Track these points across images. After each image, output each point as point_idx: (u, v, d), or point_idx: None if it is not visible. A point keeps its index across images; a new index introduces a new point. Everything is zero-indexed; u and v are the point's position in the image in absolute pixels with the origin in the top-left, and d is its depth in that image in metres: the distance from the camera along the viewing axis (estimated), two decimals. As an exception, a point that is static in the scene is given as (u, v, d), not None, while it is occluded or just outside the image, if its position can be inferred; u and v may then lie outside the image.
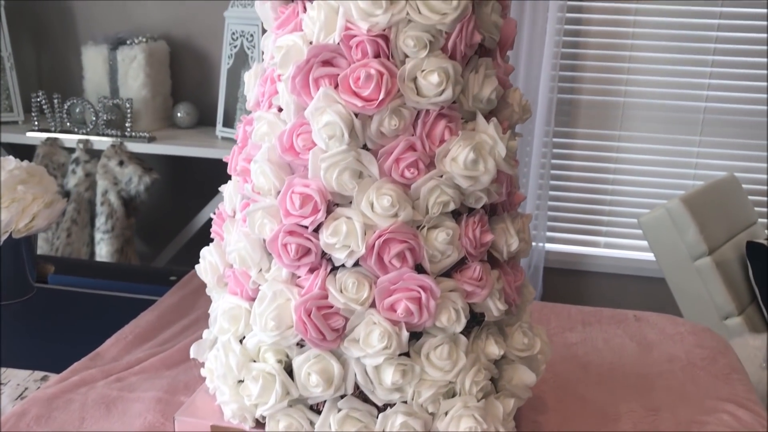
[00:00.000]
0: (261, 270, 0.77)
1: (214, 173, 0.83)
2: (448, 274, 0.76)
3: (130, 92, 2.57)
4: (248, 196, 0.78)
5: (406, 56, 0.70)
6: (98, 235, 2.55)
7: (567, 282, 2.86)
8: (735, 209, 2.40)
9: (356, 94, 0.69)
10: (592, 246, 2.86)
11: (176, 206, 2.81)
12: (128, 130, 2.52)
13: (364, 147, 0.73)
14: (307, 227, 0.73)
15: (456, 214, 0.76)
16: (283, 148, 0.74)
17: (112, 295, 1.31)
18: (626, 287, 2.82)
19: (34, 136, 2.56)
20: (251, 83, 0.81)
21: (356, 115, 0.71)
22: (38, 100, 2.54)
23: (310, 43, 0.71)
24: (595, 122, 2.74)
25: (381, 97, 0.69)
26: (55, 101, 2.51)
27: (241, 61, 2.47)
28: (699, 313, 2.25)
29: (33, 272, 1.29)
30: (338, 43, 0.69)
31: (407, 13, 0.67)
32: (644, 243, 2.32)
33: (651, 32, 2.61)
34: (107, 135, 2.52)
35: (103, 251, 2.54)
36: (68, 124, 2.53)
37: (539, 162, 2.71)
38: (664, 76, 2.64)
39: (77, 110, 2.54)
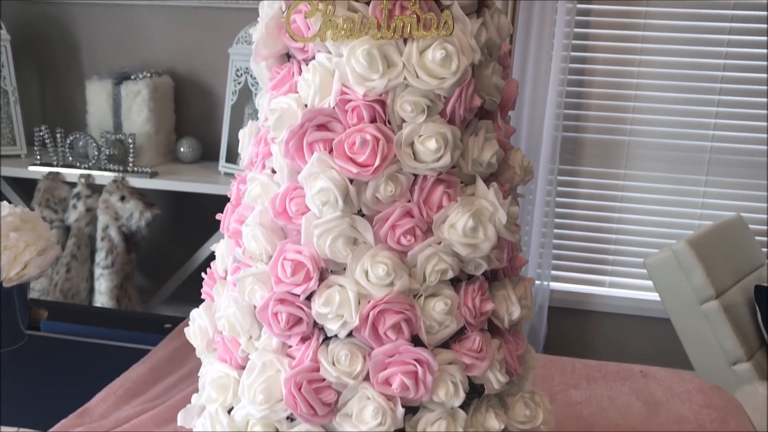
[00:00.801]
0: (251, 337, 0.74)
1: (217, 208, 0.81)
2: (446, 344, 0.73)
3: (133, 127, 2.56)
4: (239, 260, 0.76)
5: (403, 121, 0.67)
6: (98, 271, 2.53)
7: (572, 322, 2.82)
8: (742, 251, 2.36)
9: (351, 160, 0.67)
10: (598, 285, 2.82)
11: (177, 241, 2.79)
12: (130, 165, 2.51)
13: (359, 213, 0.70)
14: (298, 295, 0.70)
15: (455, 281, 0.73)
16: (275, 212, 0.72)
17: (104, 343, 1.28)
18: (632, 328, 2.77)
19: (36, 170, 2.56)
20: (245, 142, 0.79)
21: (351, 180, 0.68)
22: (41, 134, 2.54)
23: (305, 106, 0.69)
24: (600, 161, 2.72)
25: (377, 163, 0.66)
26: (58, 135, 2.51)
27: (245, 97, 2.47)
28: (706, 358, 2.20)
29: (25, 320, 1.26)
30: (333, 107, 0.67)
31: (404, 78, 0.65)
32: (650, 283, 2.28)
33: (656, 72, 2.60)
34: (109, 170, 2.51)
35: (102, 286, 2.52)
36: (70, 158, 2.53)
37: (544, 200, 2.69)
38: (669, 116, 2.63)
39: (80, 144, 2.53)
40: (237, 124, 2.50)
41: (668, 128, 2.64)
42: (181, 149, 2.69)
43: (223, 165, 2.55)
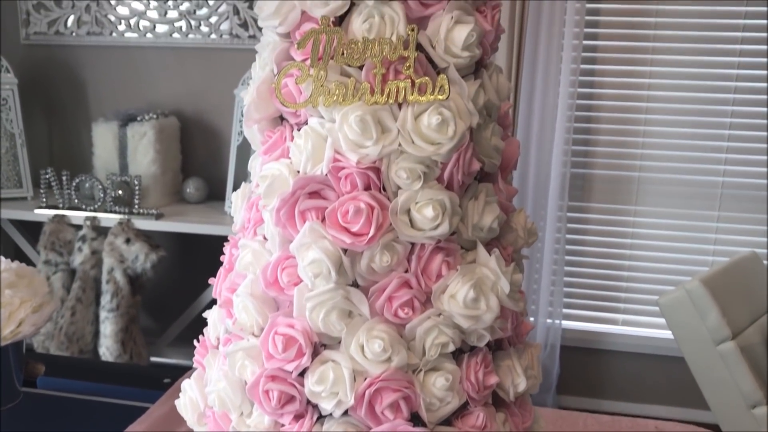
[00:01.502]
0: (242, 414, 0.71)
1: (222, 249, 0.78)
2: (447, 421, 0.69)
3: (139, 168, 2.56)
4: (230, 331, 0.73)
5: (399, 188, 0.64)
6: (103, 314, 2.51)
7: (585, 361, 2.76)
8: (758, 289, 2.31)
9: (345, 230, 0.64)
10: (610, 323, 2.77)
11: (183, 283, 2.77)
12: (136, 206, 2.50)
13: (354, 284, 0.67)
14: (291, 372, 0.66)
15: (456, 353, 0.70)
16: (266, 282, 0.69)
17: (102, 401, 1.25)
18: (646, 367, 2.71)
19: (42, 213, 2.55)
20: (238, 204, 0.76)
21: (345, 250, 0.65)
22: (47, 176, 2.54)
23: (297, 172, 0.66)
24: (610, 197, 2.69)
25: (371, 232, 0.63)
26: (64, 178, 2.50)
27: (250, 138, 2.45)
28: (724, 400, 2.13)
29: (20, 377, 1.23)
30: (326, 174, 0.64)
31: (399, 144, 0.62)
32: (664, 321, 2.23)
33: (665, 107, 2.58)
34: (115, 212, 2.51)
35: (108, 330, 2.49)
36: (76, 200, 2.52)
37: (554, 237, 2.65)
38: (679, 151, 2.59)
39: (87, 185, 2.53)
40: (243, 164, 2.49)
41: (678, 163, 2.60)
42: (188, 190, 2.68)
43: (229, 205, 2.53)
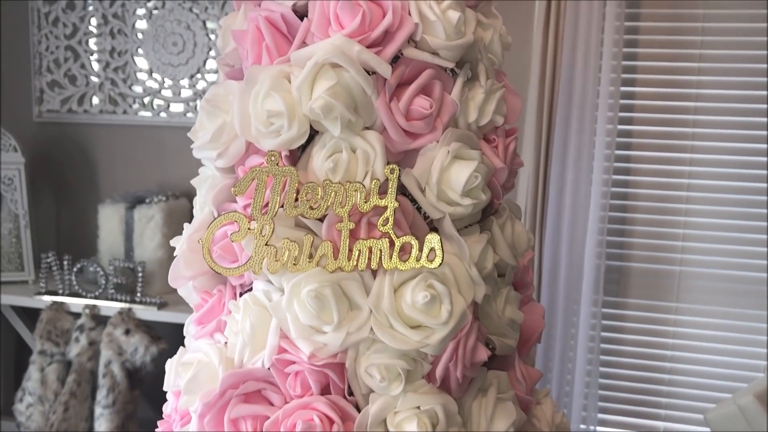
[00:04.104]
0: None
1: None
2: None
3: (145, 252, 2.45)
4: None
5: (371, 391, 0.46)
6: (98, 410, 2.36)
7: (623, 474, 2.49)
8: (821, 404, 2.06)
9: (293, 450, 0.46)
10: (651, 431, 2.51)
11: (186, 376, 2.59)
12: (138, 295, 2.38)
13: None
14: None
15: None
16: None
17: None
18: (693, 483, 2.44)
19: (41, 299, 2.44)
20: (170, 378, 0.58)
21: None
22: (48, 260, 2.43)
23: (233, 360, 0.48)
24: (648, 292, 2.47)
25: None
26: (65, 262, 2.39)
27: (259, 225, 2.31)
28: None
29: None
30: (269, 368, 0.47)
31: (371, 330, 0.44)
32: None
33: (706, 196, 2.38)
34: (116, 300, 2.39)
35: (102, 428, 2.34)
36: (76, 286, 2.40)
37: (588, 334, 2.43)
38: (723, 243, 2.38)
39: (90, 269, 2.42)
40: (251, 252, 2.34)
41: (723, 257, 2.38)
42: (194, 276, 2.53)
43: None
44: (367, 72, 0.45)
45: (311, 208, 0.45)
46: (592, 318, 2.44)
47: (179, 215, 2.55)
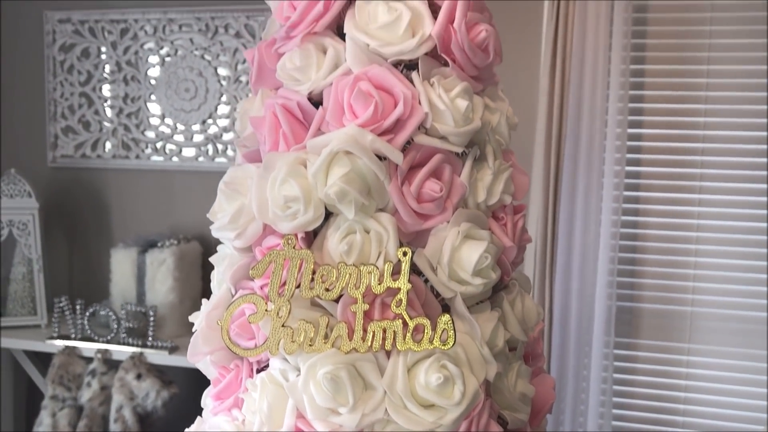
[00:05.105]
0: None
1: None
2: None
3: (157, 296, 2.46)
4: None
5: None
6: (109, 456, 2.34)
7: None
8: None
9: None
10: (667, 478, 2.47)
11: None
12: (150, 339, 2.38)
13: None
14: None
15: None
16: None
17: None
18: None
19: (53, 344, 2.45)
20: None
21: None
22: (61, 305, 2.45)
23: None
24: (660, 333, 2.46)
25: None
26: (78, 307, 2.41)
27: (270, 269, 2.33)
28: None
29: None
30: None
31: (386, 411, 0.46)
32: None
33: (716, 237, 2.38)
34: (128, 344, 2.40)
35: (112, 474, 2.32)
36: (89, 331, 2.42)
37: (600, 376, 2.41)
38: (735, 284, 2.37)
39: (102, 313, 2.43)
40: (262, 296, 2.35)
41: (735, 297, 2.37)
42: (206, 319, 2.54)
43: (247, 339, 2.38)
44: (380, 157, 0.47)
45: (327, 289, 0.46)
46: (604, 359, 2.42)
47: (190, 259, 2.57)
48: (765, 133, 2.31)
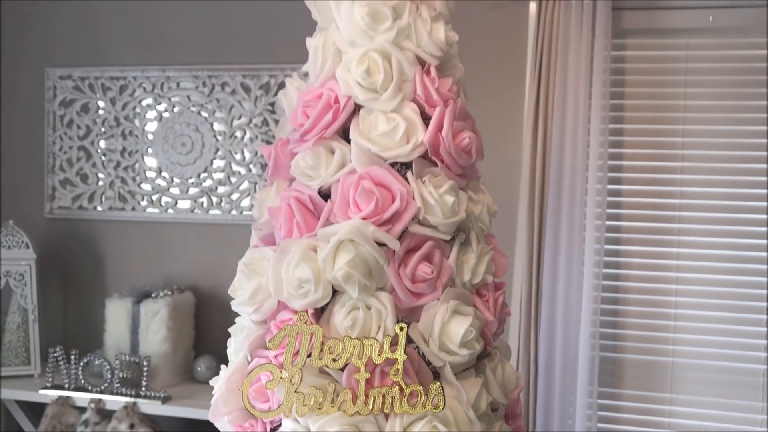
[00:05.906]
0: None
1: None
2: None
3: (151, 346, 2.49)
4: None
5: None
6: None
7: None
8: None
9: None
10: None
11: (188, 470, 2.60)
12: (143, 388, 2.40)
13: None
14: None
15: None
16: None
17: None
18: None
19: (46, 394, 2.46)
20: None
21: None
22: (56, 355, 2.47)
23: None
24: (642, 383, 2.51)
25: None
26: (72, 357, 2.43)
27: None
28: None
29: None
30: None
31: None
32: None
33: (696, 289, 2.46)
34: (121, 394, 2.41)
35: None
36: (83, 380, 2.43)
37: (585, 425, 2.46)
38: (715, 335, 2.44)
39: (96, 363, 2.46)
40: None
41: (715, 348, 2.44)
42: (198, 368, 2.59)
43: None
44: (379, 244, 0.54)
45: (334, 360, 0.54)
46: (588, 409, 2.47)
47: (184, 309, 2.61)
48: (741, 190, 2.41)
